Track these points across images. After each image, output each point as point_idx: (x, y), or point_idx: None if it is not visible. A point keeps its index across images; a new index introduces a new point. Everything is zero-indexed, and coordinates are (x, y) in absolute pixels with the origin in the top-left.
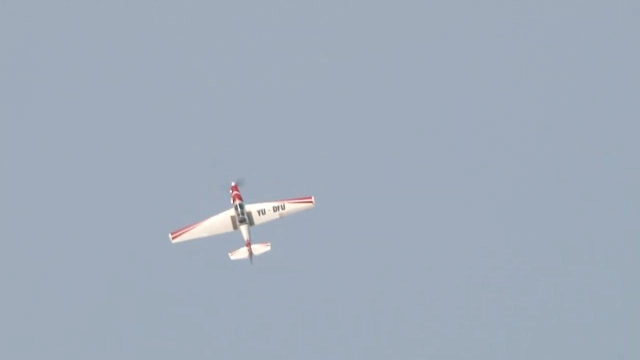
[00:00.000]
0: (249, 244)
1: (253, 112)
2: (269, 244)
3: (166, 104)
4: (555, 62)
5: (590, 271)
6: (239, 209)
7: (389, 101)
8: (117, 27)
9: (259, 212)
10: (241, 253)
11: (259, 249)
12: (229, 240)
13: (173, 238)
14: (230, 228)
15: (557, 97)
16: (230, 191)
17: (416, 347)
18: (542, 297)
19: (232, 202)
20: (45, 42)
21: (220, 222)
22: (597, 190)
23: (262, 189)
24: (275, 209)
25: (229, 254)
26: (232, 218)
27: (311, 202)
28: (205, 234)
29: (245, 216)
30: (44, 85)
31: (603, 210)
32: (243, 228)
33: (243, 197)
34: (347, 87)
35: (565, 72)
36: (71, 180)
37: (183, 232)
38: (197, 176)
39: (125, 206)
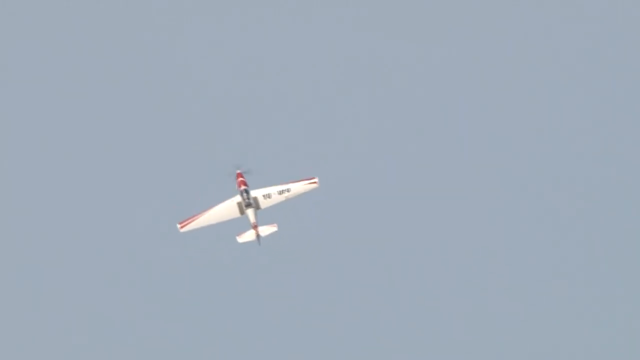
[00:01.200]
0: (256, 226)
1: (256, 104)
2: (275, 225)
3: (168, 95)
4: (555, 62)
5: (591, 273)
6: (244, 194)
7: (391, 98)
8: (117, 27)
9: (264, 196)
10: (249, 235)
11: (266, 230)
12: (237, 226)
13: (181, 227)
14: (237, 214)
15: (557, 97)
16: (236, 178)
17: (420, 332)
18: (540, 297)
19: (237, 188)
20: (45, 42)
21: (226, 208)
22: (597, 190)
23: (267, 174)
24: (281, 192)
25: (237, 237)
26: (239, 204)
27: (315, 182)
28: (212, 222)
29: (252, 200)
30: (42, 84)
31: (603, 210)
32: (250, 212)
33: (248, 184)
34: (349, 82)
35: (564, 72)
36: (75, 174)
37: (191, 221)
38: (202, 166)
39: (131, 198)
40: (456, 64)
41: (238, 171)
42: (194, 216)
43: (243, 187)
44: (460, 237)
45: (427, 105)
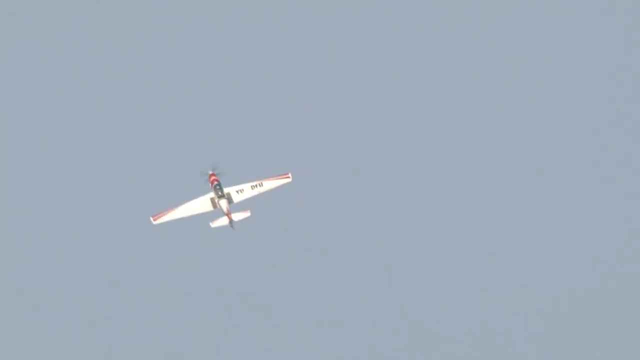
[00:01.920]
0: (229, 213)
1: (231, 102)
2: (248, 211)
3: (145, 98)
4: (554, 62)
5: (590, 272)
6: (217, 187)
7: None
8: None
9: (237, 191)
10: (222, 221)
11: (239, 215)
12: (210, 217)
13: (154, 220)
14: (210, 207)
15: (556, 97)
16: (208, 178)
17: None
18: (533, 296)
19: (210, 185)
20: (44, 41)
21: (200, 203)
22: (595, 189)
23: (242, 173)
24: (253, 187)
25: (210, 223)
26: (212, 199)
27: (288, 177)
28: (186, 214)
29: (224, 194)
30: (37, 84)
31: (600, 209)
32: (222, 202)
33: (222, 182)
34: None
35: (564, 72)
36: (53, 174)
37: (164, 214)
38: (176, 166)
39: (107, 196)
40: (454, 66)
41: (211, 172)
42: (167, 210)
43: (216, 182)
44: (444, 238)
45: (422, 107)
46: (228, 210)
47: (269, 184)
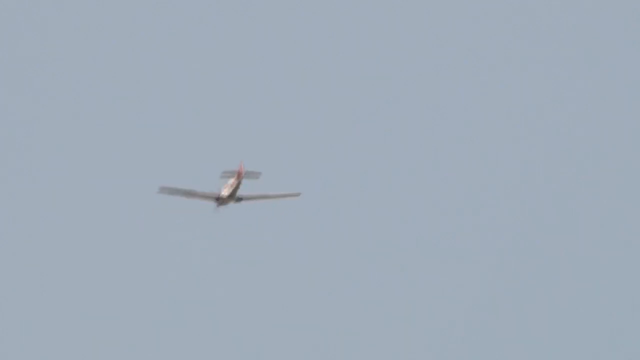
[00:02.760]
0: (241, 172)
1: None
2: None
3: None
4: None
5: (590, 275)
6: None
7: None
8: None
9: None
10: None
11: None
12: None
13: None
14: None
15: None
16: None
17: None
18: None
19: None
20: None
21: (206, 196)
22: (594, 190)
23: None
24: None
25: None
26: (216, 199)
27: (298, 194)
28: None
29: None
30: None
31: (599, 211)
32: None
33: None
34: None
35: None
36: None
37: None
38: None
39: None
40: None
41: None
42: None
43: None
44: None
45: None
46: (241, 168)
47: (278, 197)
